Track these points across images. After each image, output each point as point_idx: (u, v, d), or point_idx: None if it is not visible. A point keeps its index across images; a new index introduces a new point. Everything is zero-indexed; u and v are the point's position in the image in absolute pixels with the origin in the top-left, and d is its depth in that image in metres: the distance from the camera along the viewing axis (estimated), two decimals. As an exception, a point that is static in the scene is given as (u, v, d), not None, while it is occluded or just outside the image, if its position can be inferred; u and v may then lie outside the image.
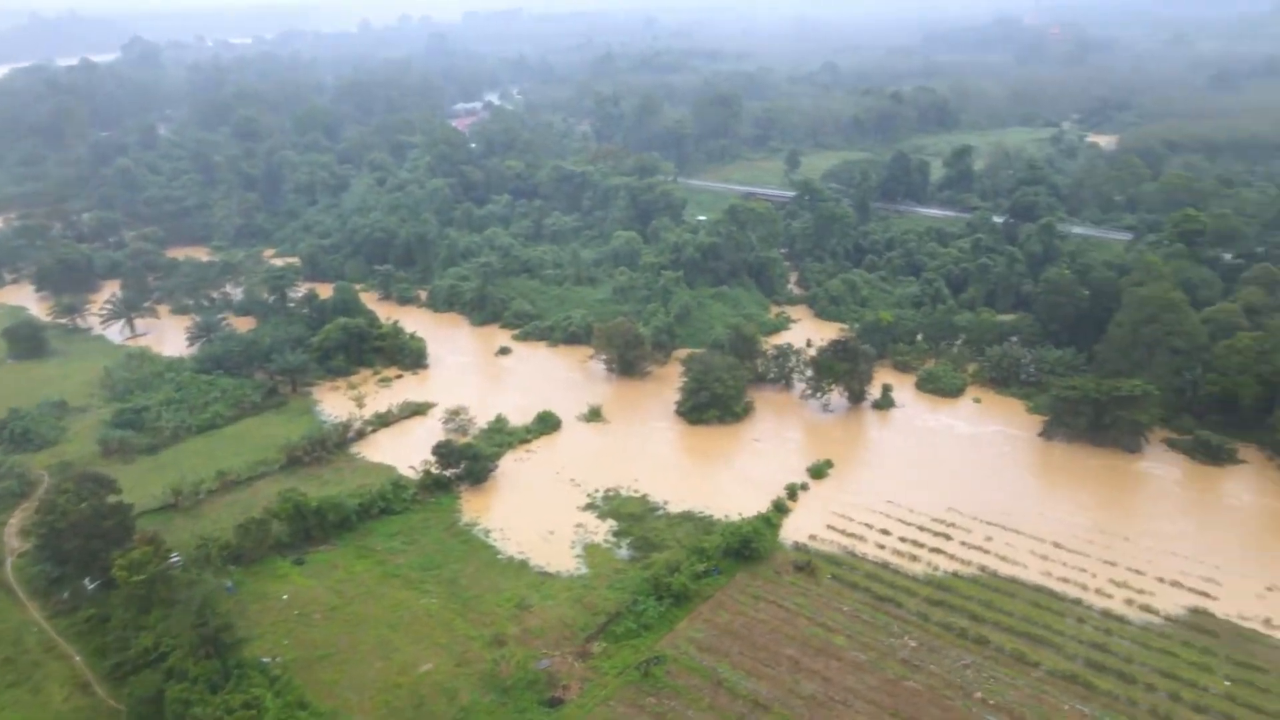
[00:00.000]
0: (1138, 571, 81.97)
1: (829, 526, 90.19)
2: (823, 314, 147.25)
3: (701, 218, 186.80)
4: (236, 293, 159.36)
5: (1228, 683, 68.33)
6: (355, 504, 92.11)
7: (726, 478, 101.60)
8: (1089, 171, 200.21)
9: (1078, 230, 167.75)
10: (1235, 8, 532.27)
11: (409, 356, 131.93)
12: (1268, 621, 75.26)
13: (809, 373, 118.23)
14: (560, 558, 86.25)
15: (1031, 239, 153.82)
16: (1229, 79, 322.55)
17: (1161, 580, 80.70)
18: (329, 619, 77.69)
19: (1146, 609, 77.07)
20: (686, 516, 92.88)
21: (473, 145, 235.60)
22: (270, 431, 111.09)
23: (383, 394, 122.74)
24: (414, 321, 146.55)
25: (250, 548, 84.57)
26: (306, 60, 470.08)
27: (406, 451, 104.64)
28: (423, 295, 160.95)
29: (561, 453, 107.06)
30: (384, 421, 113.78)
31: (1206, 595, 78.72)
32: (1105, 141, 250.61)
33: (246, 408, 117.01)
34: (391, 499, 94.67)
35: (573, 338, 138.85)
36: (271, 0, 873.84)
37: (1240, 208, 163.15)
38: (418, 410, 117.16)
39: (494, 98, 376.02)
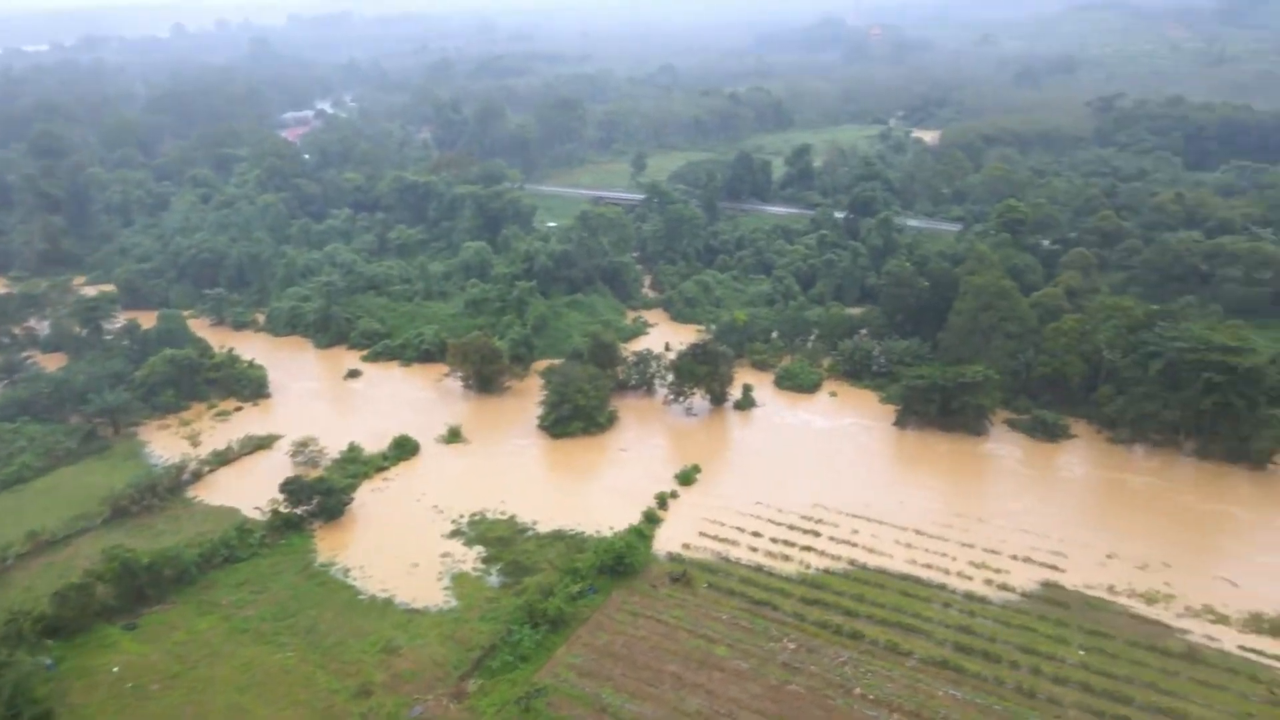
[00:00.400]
0: (993, 551, 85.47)
1: (701, 533, 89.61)
2: (679, 316, 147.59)
3: (552, 224, 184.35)
4: (42, 327, 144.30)
5: (1082, 652, 71.91)
6: (194, 555, 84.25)
7: (595, 491, 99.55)
8: (918, 166, 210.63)
9: (913, 223, 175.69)
10: (1031, 9, 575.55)
11: (248, 386, 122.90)
12: (1111, 588, 79.87)
13: (670, 377, 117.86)
14: (427, 592, 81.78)
15: (872, 233, 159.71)
16: (1031, 75, 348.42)
17: (1015, 558, 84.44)
18: (169, 688, 70.34)
19: (1005, 587, 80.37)
20: (557, 535, 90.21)
21: (306, 156, 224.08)
22: (91, 481, 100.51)
23: (221, 429, 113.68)
24: (252, 348, 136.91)
25: (71, 617, 75.59)
26: (113, 68, 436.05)
27: (251, 491, 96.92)
28: (260, 319, 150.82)
29: (422, 478, 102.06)
30: (224, 460, 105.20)
31: (1055, 568, 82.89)
32: (929, 137, 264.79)
33: (60, 456, 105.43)
34: (236, 545, 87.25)
35: (426, 355, 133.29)
36: (67, 4, 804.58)
37: (1053, 196, 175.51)
38: (261, 444, 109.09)
39: (326, 106, 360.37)
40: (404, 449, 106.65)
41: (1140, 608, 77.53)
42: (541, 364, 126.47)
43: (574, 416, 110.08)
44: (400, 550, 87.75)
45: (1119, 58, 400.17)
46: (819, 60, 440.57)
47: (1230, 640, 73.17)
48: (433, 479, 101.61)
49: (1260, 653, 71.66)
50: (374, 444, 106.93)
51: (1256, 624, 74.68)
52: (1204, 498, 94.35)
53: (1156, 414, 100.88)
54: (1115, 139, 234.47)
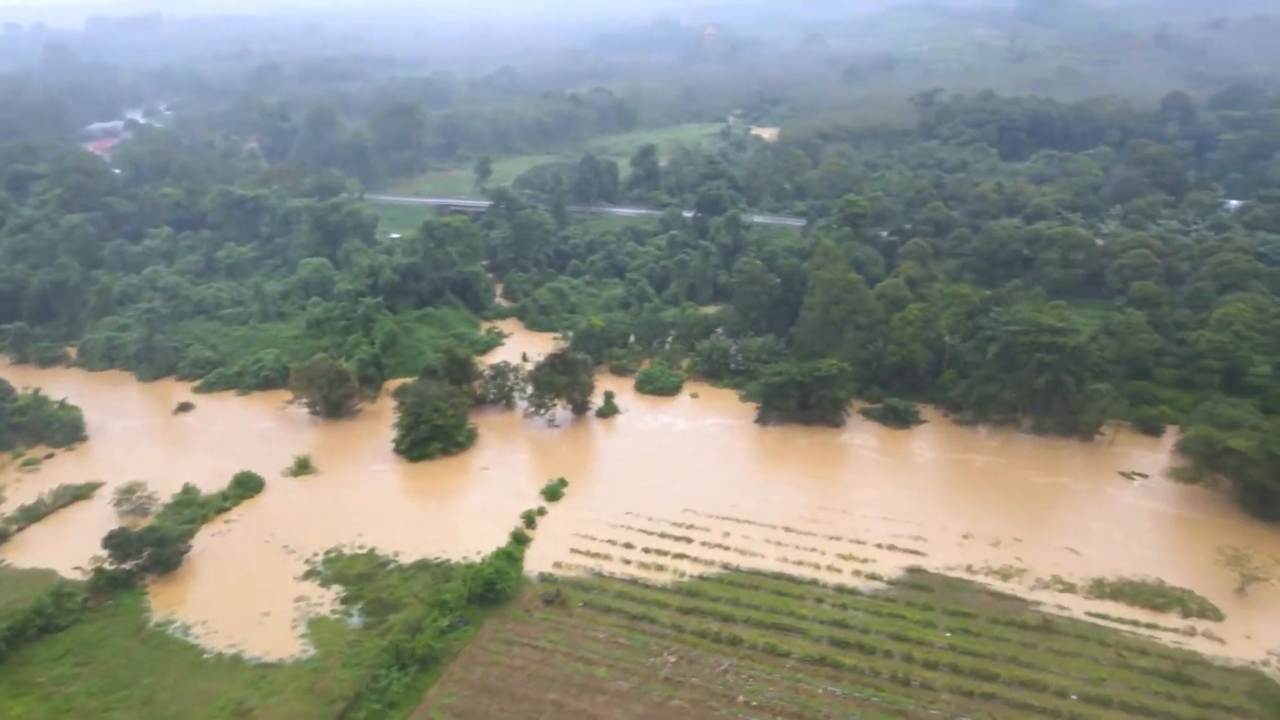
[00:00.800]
0: (859, 541, 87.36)
1: (573, 550, 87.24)
2: (534, 325, 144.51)
3: (395, 236, 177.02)
4: None
5: (948, 634, 74.22)
6: (3, 628, 74.68)
7: (459, 515, 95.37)
8: (760, 163, 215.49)
9: (759, 219, 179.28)
10: (850, 9, 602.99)
11: (61, 430, 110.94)
12: (969, 568, 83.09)
13: (530, 389, 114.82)
14: (281, 642, 75.63)
15: (721, 231, 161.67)
16: (857, 73, 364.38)
17: (880, 546, 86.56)
18: (-19, 788, 61.86)
19: (873, 577, 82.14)
20: (422, 566, 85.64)
21: (117, 171, 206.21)
22: None
23: (29, 481, 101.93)
24: (64, 386, 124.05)
25: None
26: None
27: (69, 548, 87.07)
28: (72, 353, 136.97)
29: (269, 517, 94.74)
30: (34, 515, 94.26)
31: (918, 553, 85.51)
32: (768, 134, 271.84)
33: None
34: (54, 612, 77.92)
35: (267, 382, 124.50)
36: None
37: (887, 189, 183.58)
38: (79, 494, 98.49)
39: (137, 116, 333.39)
40: (247, 486, 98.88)
41: (997, 584, 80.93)
42: (393, 384, 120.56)
43: (431, 437, 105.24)
44: (248, 599, 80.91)
45: (933, 56, 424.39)
46: (657, 60, 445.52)
47: (1079, 607, 77.36)
48: (281, 516, 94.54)
49: (1105, 617, 76.06)
50: (212, 483, 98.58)
51: (1100, 590, 79.32)
52: (1042, 471, 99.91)
53: (996, 395, 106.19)
54: (937, 132, 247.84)
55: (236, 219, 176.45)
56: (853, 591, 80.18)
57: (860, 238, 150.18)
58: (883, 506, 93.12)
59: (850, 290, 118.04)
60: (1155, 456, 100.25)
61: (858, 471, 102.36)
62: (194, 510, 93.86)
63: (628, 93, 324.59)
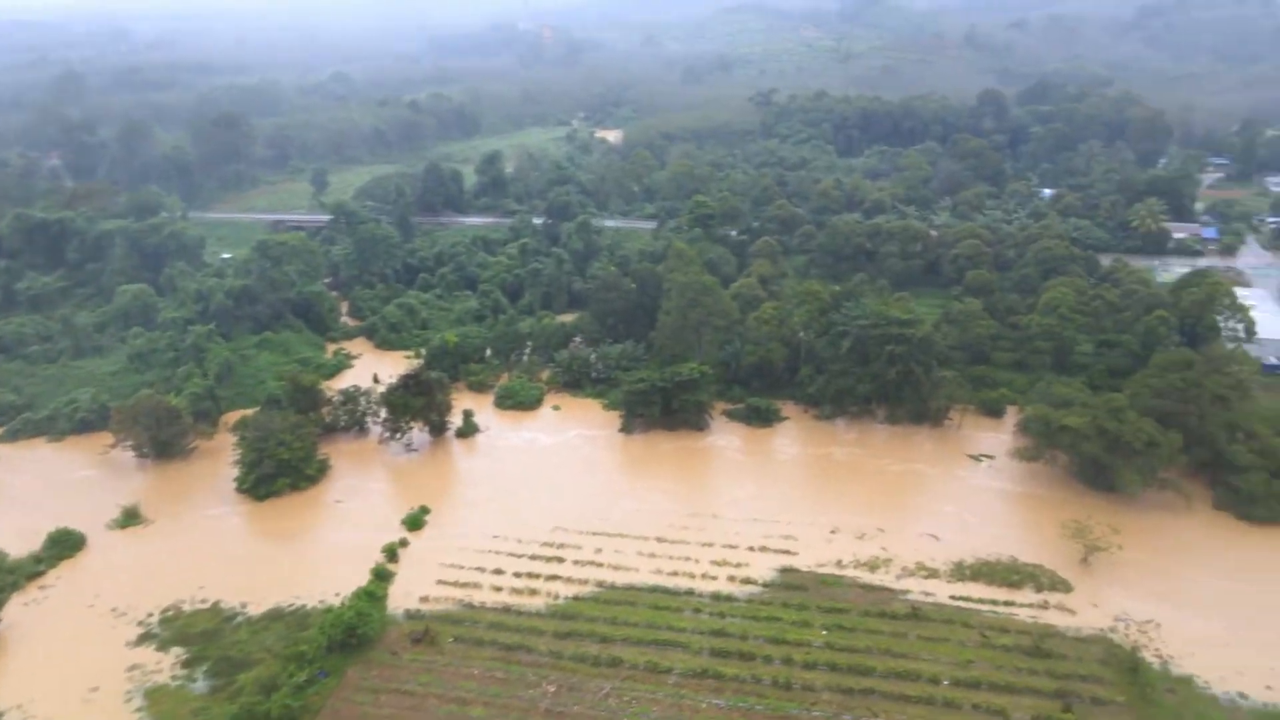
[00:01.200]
0: (732, 546, 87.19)
1: (440, 581, 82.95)
2: (384, 344, 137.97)
3: (226, 256, 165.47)
4: None
5: (825, 632, 74.87)
6: None
7: (314, 555, 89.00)
8: (607, 167, 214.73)
9: (610, 224, 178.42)
10: (683, 11, 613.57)
11: None
12: (839, 563, 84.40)
13: (383, 413, 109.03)
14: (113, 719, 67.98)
15: (572, 237, 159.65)
16: (695, 74, 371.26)
17: (752, 549, 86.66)
18: None
19: (747, 581, 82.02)
20: (274, 616, 79.28)
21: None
22: None
23: None
24: None
25: None
26: None
27: None
28: None
29: (93, 577, 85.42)
30: None
31: (789, 552, 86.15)
32: (612, 136, 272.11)
33: None
34: None
35: (84, 425, 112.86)
36: None
37: (733, 188, 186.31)
38: None
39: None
40: (64, 545, 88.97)
41: (866, 576, 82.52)
42: (232, 417, 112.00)
43: (278, 473, 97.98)
44: (72, 674, 72.42)
45: (765, 56, 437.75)
46: (495, 64, 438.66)
47: (943, 592, 79.84)
48: (107, 575, 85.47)
49: (967, 599, 78.81)
50: (22, 545, 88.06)
51: (960, 573, 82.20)
52: (898, 460, 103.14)
53: (852, 388, 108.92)
54: (777, 131, 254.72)
55: (39, 245, 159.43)
56: (729, 598, 79.75)
57: (711, 238, 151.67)
58: (752, 508, 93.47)
59: (706, 292, 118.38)
60: (999, 437, 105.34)
61: (725, 474, 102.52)
62: (1, 577, 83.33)
63: (468, 98, 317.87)
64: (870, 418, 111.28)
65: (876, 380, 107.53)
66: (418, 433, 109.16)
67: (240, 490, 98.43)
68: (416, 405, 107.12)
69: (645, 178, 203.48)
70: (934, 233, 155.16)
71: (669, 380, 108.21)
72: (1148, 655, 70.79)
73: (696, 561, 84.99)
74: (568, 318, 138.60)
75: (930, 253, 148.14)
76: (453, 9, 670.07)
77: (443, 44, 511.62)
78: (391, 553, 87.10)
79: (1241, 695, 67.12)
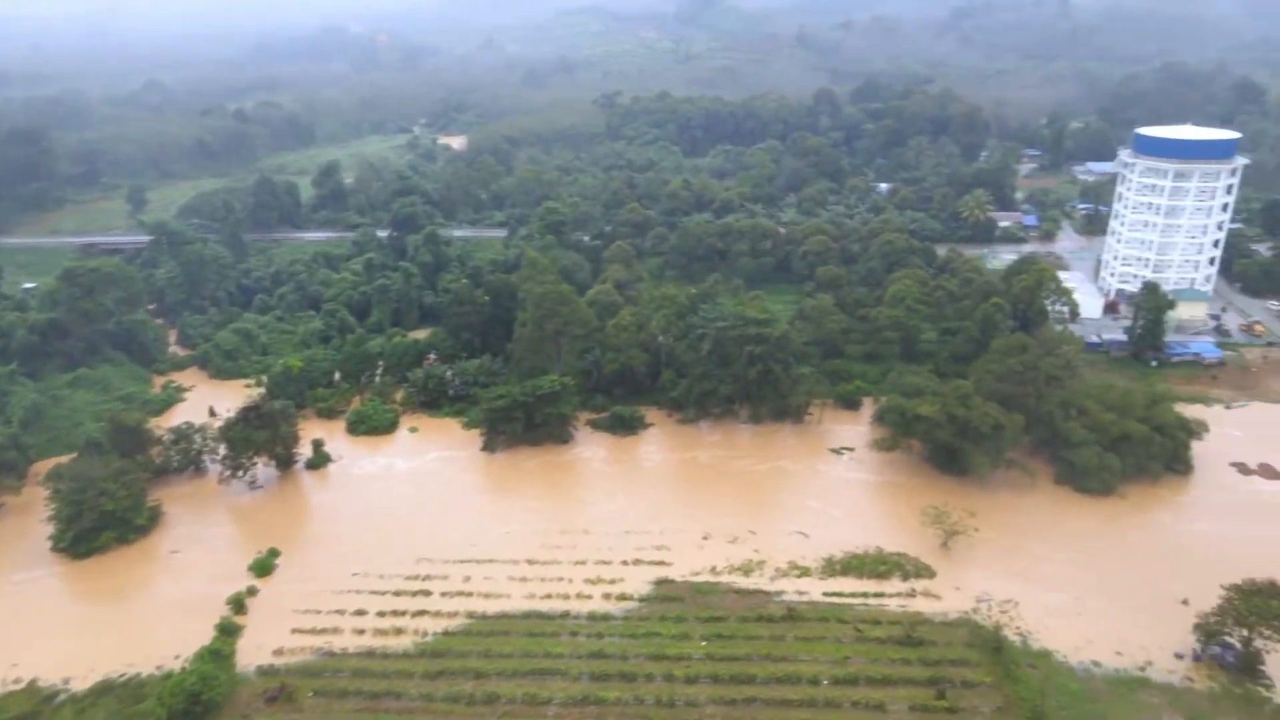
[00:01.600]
0: (605, 561, 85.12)
1: (295, 630, 76.94)
2: (219, 373, 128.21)
3: (28, 285, 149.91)
4: None
5: (704, 643, 73.87)
6: None
7: (147, 615, 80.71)
8: (452, 175, 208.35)
9: (459, 233, 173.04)
10: (519, 13, 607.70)
11: None
12: (713, 569, 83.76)
13: (222, 450, 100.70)
14: (-88, 832, 59.04)
15: (420, 250, 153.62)
16: (536, 77, 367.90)
17: (626, 563, 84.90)
18: None
19: (623, 597, 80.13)
20: (103, 690, 71.27)
21: None
22: None
23: None
24: None
25: None
26: None
27: None
28: None
29: (-121, 667, 74.44)
30: None
31: (663, 563, 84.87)
32: (456, 143, 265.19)
33: None
34: None
35: None
36: None
37: (583, 192, 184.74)
38: None
39: None
40: None
41: (741, 581, 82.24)
42: (44, 466, 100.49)
43: (101, 526, 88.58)
44: None
45: (607, 58, 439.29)
46: (329, 70, 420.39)
47: (816, 590, 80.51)
48: (-103, 663, 74.63)
49: (840, 594, 79.78)
50: None
51: (831, 568, 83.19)
52: (763, 459, 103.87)
53: (714, 390, 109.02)
54: (623, 133, 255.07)
55: None
56: (606, 617, 77.60)
57: (564, 244, 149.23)
58: (623, 520, 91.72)
59: (563, 302, 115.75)
60: (857, 429, 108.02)
61: (593, 487, 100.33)
62: None
63: (301, 106, 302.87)
64: (734, 418, 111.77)
65: (738, 381, 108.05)
66: (262, 468, 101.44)
67: (57, 549, 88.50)
68: (259, 439, 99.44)
69: (493, 184, 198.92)
70: (782, 230, 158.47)
71: (530, 394, 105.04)
72: (1009, 633, 73.54)
73: (570, 581, 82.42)
74: (420, 334, 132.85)
75: (780, 250, 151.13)
76: (278, 11, 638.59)
77: (269, 49, 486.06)
78: (238, 604, 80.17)
79: (1095, 664, 70.66)
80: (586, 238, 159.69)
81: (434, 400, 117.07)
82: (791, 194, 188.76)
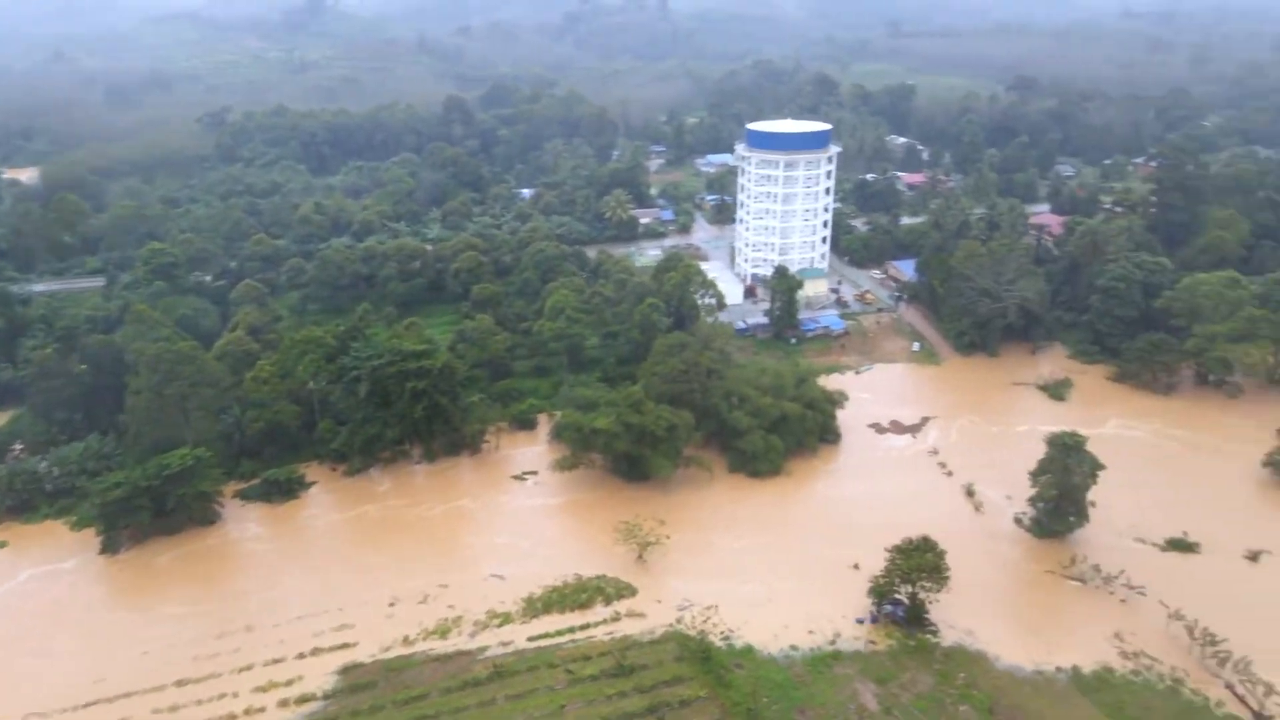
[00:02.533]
0: (277, 660, 73.33)
1: None
2: None
3: None
4: None
5: (407, 731, 65.79)
6: None
7: None
8: (23, 216, 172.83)
9: (40, 288, 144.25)
10: (98, 23, 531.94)
11: None
12: (406, 639, 75.34)
13: None
14: None
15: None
16: (124, 94, 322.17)
17: (303, 654, 73.82)
18: None
19: (305, 699, 69.20)
20: None
21: None
22: None
23: None
24: None
25: None
26: None
27: None
28: None
29: None
30: None
31: (347, 645, 74.97)
32: (26, 176, 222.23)
33: None
34: None
35: None
36: None
37: (196, 226, 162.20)
38: None
39: None
40: None
41: (439, 645, 74.81)
42: None
43: None
44: None
45: (210, 71, 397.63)
46: None
47: (520, 636, 75.34)
48: None
49: (545, 635, 75.32)
50: None
51: (532, 608, 78.48)
52: (440, 500, 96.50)
53: (380, 434, 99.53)
54: (239, 155, 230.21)
55: None
56: (281, 728, 66.48)
57: (180, 290, 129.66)
58: (293, 604, 79.91)
59: (184, 360, 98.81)
60: (536, 450, 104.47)
61: (251, 572, 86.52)
62: None
63: None
64: (407, 460, 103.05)
65: (404, 420, 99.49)
66: None
67: None
68: None
69: (79, 225, 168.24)
70: (430, 248, 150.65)
71: (156, 475, 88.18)
72: (714, 637, 73.93)
73: (236, 695, 69.73)
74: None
75: (431, 270, 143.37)
76: None
77: None
78: None
79: (793, 648, 73.06)
80: (208, 278, 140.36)
81: (28, 502, 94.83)
82: (434, 208, 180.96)
